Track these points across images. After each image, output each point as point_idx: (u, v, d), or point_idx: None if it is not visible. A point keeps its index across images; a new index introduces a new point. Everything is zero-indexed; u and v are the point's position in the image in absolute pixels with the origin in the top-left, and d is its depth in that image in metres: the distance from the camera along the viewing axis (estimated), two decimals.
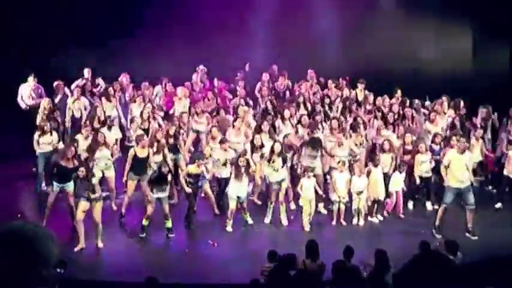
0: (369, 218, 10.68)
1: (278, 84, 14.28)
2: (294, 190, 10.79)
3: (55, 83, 12.97)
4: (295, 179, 10.88)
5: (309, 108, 12.84)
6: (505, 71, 15.74)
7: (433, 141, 11.47)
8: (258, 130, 11.25)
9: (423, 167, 11.01)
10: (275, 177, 10.43)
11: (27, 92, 13.09)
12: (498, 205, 11.32)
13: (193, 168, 10.07)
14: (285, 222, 10.51)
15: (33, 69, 13.24)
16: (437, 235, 9.89)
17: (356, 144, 11.13)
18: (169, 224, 9.92)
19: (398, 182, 10.79)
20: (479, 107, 12.78)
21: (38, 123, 11.55)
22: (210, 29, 15.47)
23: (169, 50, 15.16)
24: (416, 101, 12.97)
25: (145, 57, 15.17)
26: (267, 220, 10.56)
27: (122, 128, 12.33)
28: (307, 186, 10.35)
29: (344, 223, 10.55)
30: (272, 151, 10.38)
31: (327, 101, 13.05)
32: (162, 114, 12.84)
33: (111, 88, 12.93)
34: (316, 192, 10.42)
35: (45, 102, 12.26)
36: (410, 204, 11.35)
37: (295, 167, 11.01)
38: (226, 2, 15.70)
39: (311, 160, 10.78)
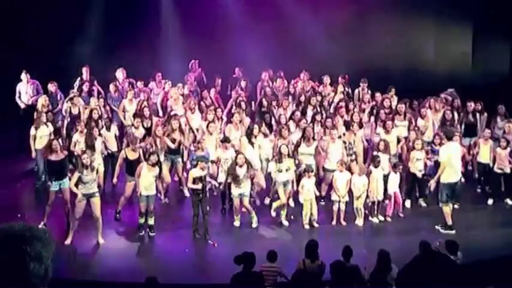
0: (369, 218, 10.68)
1: (276, 86, 14.27)
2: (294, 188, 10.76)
3: (49, 85, 12.98)
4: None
5: (302, 105, 12.91)
6: (505, 71, 15.75)
7: (433, 142, 11.50)
8: (250, 133, 11.17)
9: (418, 164, 11.05)
10: (281, 177, 10.43)
11: (24, 90, 13.12)
12: (490, 201, 11.42)
13: (197, 171, 9.91)
14: (285, 222, 10.51)
15: (35, 67, 13.31)
16: (449, 231, 9.89)
17: (345, 142, 11.19)
18: (142, 220, 9.87)
19: (394, 183, 10.79)
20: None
21: (35, 117, 11.55)
22: (210, 26, 15.53)
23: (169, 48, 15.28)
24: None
25: (145, 54, 15.25)
26: (285, 222, 10.48)
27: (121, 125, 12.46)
28: (308, 186, 10.35)
29: (344, 223, 10.54)
30: (280, 152, 10.39)
31: (318, 98, 13.03)
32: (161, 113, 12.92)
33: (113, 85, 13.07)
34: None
35: (42, 99, 12.29)
36: (408, 203, 11.37)
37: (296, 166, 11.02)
38: None
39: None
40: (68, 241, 9.40)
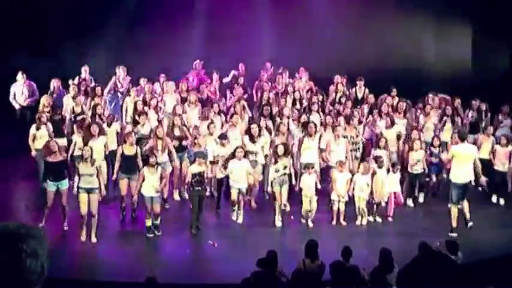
0: (370, 218, 10.67)
1: (276, 85, 14.25)
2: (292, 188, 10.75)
3: (52, 81, 12.95)
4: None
5: (303, 104, 12.95)
6: (505, 71, 15.76)
7: (432, 144, 11.52)
8: (248, 132, 11.14)
9: (417, 166, 11.11)
10: (278, 177, 10.38)
11: (19, 91, 13.05)
12: (494, 198, 11.52)
13: (195, 167, 9.97)
14: (278, 223, 10.45)
15: (35, 67, 13.30)
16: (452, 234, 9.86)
17: (346, 137, 11.20)
18: (149, 222, 9.82)
19: (394, 183, 10.78)
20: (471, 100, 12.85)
21: (36, 117, 11.46)
22: (209, 23, 15.56)
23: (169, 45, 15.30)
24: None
25: (144, 52, 15.26)
26: (279, 223, 10.47)
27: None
28: (308, 183, 10.35)
29: (344, 223, 10.54)
30: (275, 152, 10.38)
31: (319, 97, 13.03)
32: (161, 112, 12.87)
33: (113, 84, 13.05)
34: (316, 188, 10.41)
35: (44, 99, 12.23)
36: (410, 202, 11.39)
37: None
38: None
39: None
40: (82, 238, 9.44)
